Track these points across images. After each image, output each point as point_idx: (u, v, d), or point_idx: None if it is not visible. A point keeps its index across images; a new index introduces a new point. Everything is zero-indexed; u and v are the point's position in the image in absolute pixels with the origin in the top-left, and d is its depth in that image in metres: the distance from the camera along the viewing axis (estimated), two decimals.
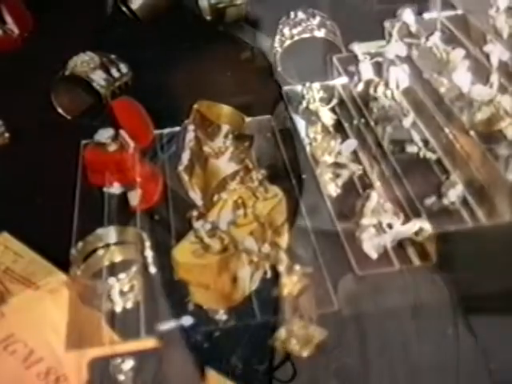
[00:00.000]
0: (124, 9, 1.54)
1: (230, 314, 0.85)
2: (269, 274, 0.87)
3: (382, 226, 0.91)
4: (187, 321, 0.84)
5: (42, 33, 1.52)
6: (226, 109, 1.05)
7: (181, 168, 0.97)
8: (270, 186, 0.94)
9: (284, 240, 0.84)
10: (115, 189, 1.04)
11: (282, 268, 0.78)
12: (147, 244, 0.91)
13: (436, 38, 1.12)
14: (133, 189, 1.04)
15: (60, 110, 1.22)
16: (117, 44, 1.42)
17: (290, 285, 0.77)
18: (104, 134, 1.04)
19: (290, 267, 0.78)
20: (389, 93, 1.12)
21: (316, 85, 1.15)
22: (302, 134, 1.11)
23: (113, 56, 1.23)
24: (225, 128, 1.03)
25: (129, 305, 0.86)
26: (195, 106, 1.03)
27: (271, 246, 0.83)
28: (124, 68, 1.21)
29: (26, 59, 1.45)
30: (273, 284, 0.83)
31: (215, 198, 0.93)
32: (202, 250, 0.84)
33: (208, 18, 1.50)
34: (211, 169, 1.02)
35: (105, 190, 1.04)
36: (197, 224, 0.85)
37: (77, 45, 1.44)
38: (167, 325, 0.83)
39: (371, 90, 1.13)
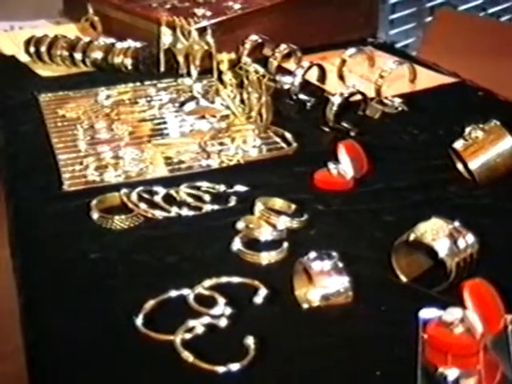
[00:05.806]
0: (460, 167, 1.52)
1: None
2: None
3: None
4: None
5: (377, 178, 1.54)
6: None
7: None
8: None
9: None
10: (451, 373, 0.99)
11: None
12: None
13: None
14: (469, 376, 0.98)
15: (398, 272, 1.20)
16: (459, 209, 1.40)
17: None
18: (452, 314, 1.00)
19: None
20: None
21: None
22: None
23: (457, 223, 1.18)
24: None
25: None
26: None
27: None
28: (470, 238, 1.17)
29: (357, 202, 1.46)
30: None
31: None
32: None
33: None
34: None
35: (440, 370, 0.99)
36: None
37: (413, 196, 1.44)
38: None
39: None
